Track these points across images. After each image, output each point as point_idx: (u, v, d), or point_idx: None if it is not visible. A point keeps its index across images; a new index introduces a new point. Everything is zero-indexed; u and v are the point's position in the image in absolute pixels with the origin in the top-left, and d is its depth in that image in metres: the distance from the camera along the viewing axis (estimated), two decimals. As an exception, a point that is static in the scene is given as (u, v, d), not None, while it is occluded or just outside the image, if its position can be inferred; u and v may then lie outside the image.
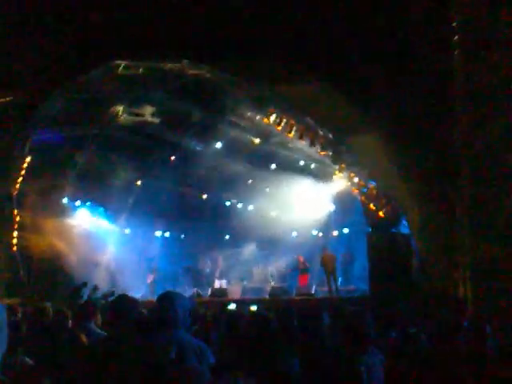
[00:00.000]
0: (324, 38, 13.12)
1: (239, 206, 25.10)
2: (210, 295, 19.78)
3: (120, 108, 18.36)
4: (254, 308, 13.03)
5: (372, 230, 17.88)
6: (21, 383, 3.14)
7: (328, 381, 4.04)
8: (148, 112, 18.94)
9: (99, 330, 6.02)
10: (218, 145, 21.21)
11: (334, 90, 14.18)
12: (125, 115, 18.74)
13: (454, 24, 11.70)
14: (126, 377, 3.75)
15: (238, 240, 24.01)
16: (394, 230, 17.22)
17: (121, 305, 4.74)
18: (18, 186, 16.87)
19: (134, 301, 4.91)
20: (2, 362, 2.18)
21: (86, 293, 15.58)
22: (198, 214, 23.41)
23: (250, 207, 24.90)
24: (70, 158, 19.64)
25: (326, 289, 19.47)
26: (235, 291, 20.57)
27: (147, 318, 5.18)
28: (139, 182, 22.14)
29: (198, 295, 20.03)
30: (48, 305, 7.33)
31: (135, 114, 18.79)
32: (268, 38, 13.25)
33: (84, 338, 5.67)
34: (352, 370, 4.01)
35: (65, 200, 20.57)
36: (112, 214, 22.35)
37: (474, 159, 11.72)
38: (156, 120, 19.30)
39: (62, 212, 20.16)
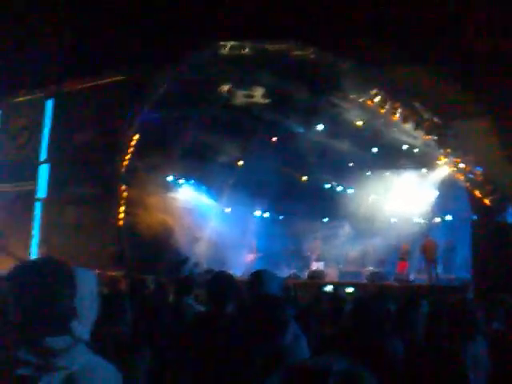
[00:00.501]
0: (435, 24, 12.77)
1: (339, 188, 24.95)
2: (308, 277, 19.85)
3: (226, 88, 18.58)
4: (350, 290, 13.00)
5: (477, 217, 17.34)
6: (118, 354, 3.27)
7: (431, 368, 3.98)
8: (256, 93, 19.06)
9: (198, 305, 6.18)
10: (320, 127, 21.08)
11: (442, 73, 13.78)
12: (232, 95, 18.95)
13: None
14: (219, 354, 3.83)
15: (337, 223, 23.92)
16: (499, 219, 16.64)
17: (219, 282, 4.85)
18: (125, 162, 17.47)
19: (232, 278, 5.00)
20: (94, 331, 2.29)
21: (187, 268, 16.02)
22: (298, 196, 23.43)
23: (350, 191, 24.72)
24: (176, 137, 20.15)
25: (424, 276, 19.07)
26: (332, 274, 20.56)
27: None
28: (241, 162, 22.42)
29: (296, 276, 20.15)
30: (150, 277, 7.61)
31: (243, 96, 18.96)
32: (374, 20, 13.04)
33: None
34: (455, 359, 3.92)
35: (170, 178, 21.19)
36: (214, 193, 22.83)
37: None
38: (264, 101, 19.38)
39: (167, 189, 20.77)
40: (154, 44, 14.16)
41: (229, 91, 18.57)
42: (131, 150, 17.27)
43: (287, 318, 3.64)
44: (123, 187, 17.90)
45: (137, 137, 17.20)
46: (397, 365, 3.13)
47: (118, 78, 14.71)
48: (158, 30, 14.04)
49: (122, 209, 18.11)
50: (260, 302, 3.82)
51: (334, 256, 22.42)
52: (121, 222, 18.21)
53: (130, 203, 18.38)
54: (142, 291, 7.17)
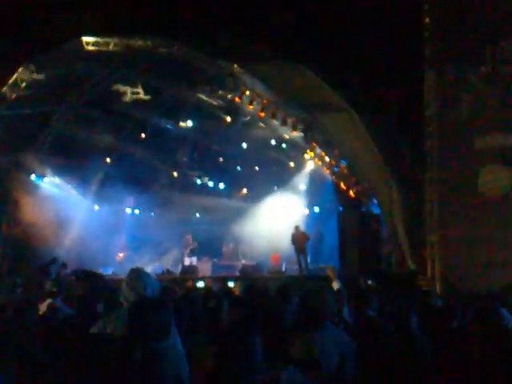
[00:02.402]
0: (296, 17, 13.04)
1: (210, 183, 25.06)
2: (181, 272, 19.75)
3: (89, 85, 18.09)
4: (231, 284, 13.03)
5: (343, 209, 18.01)
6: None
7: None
8: (125, 90, 18.71)
9: (67, 308, 5.96)
10: (189, 123, 21.03)
11: (306, 69, 14.13)
12: (97, 92, 18.48)
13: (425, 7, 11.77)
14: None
15: (209, 217, 23.99)
16: (364, 210, 17.37)
17: (90, 283, 4.71)
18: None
19: (100, 277, 4.88)
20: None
21: (55, 269, 15.44)
22: (168, 191, 23.27)
23: (221, 185, 24.93)
24: (40, 134, 19.40)
25: (296, 267, 19.55)
26: (205, 268, 20.60)
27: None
28: (108, 159, 21.88)
29: (169, 272, 20.01)
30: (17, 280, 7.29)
31: (108, 91, 18.52)
32: (243, 16, 13.13)
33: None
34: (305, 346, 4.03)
35: (33, 176, 20.33)
36: (82, 190, 22.11)
37: (443, 139, 11.82)
38: (132, 97, 19.08)
39: (31, 187, 19.97)
40: (16, 38, 13.46)
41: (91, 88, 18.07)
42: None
43: (168, 321, 3.59)
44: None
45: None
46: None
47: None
48: (21, 23, 13.37)
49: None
50: (139, 305, 3.74)
51: (208, 250, 22.46)
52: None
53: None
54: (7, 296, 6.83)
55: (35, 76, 15.50)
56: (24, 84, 15.77)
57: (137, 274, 4.45)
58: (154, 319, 3.52)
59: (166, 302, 3.79)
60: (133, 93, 18.87)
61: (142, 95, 19.02)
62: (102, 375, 3.49)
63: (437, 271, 11.67)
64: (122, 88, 18.52)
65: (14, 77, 14.84)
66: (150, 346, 3.34)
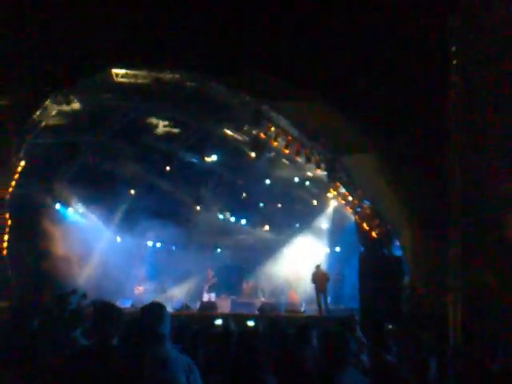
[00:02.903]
0: (325, 58, 13.12)
1: (232, 219, 25.08)
2: (199, 309, 19.65)
3: (117, 117, 18.30)
4: (251, 323, 12.89)
5: (364, 249, 17.86)
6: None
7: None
8: (153, 122, 18.95)
9: (84, 339, 5.94)
10: (214, 157, 21.14)
11: (332, 108, 14.19)
12: (124, 124, 18.69)
13: (453, 49, 11.75)
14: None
15: (230, 253, 23.96)
16: (385, 251, 17.20)
17: (105, 313, 4.68)
18: (10, 189, 16.75)
19: (118, 310, 4.84)
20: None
21: (75, 300, 15.46)
22: (191, 226, 23.32)
23: (243, 221, 24.92)
24: (65, 163, 19.65)
25: (315, 307, 19.36)
26: (224, 305, 20.49)
27: (133, 330, 5.10)
28: (133, 191, 22.04)
29: (187, 307, 19.93)
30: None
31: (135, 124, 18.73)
32: (269, 53, 13.25)
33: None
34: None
35: (58, 205, 20.54)
36: (105, 221, 22.27)
37: (468, 185, 11.72)
38: (162, 130, 19.32)
39: (55, 216, 20.14)
40: (44, 68, 13.70)
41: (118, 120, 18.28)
42: (16, 176, 16.53)
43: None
44: (7, 215, 17.08)
45: (23, 163, 16.51)
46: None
47: (4, 102, 14.11)
48: (50, 54, 13.61)
49: (6, 237, 17.25)
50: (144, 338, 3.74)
51: (227, 287, 22.39)
52: (4, 252, 17.34)
53: (14, 232, 17.57)
54: (25, 325, 6.82)
55: (64, 106, 15.72)
56: (53, 113, 15.99)
57: (155, 309, 4.42)
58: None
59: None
60: (165, 126, 19.10)
61: (173, 128, 19.26)
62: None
63: (458, 318, 11.46)
64: (154, 121, 18.75)
65: (44, 105, 15.05)
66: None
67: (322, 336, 4.76)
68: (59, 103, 15.35)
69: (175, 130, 19.69)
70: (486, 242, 11.45)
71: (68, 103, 15.44)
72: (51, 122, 16.26)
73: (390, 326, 11.80)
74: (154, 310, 4.35)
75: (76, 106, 16.18)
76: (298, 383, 4.13)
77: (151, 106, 17.85)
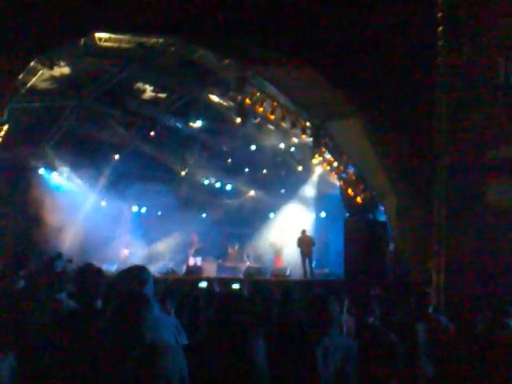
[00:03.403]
0: (310, 24, 13.01)
1: (217, 184, 25.07)
2: (185, 273, 19.74)
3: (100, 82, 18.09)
4: (236, 286, 12.96)
5: (349, 215, 17.96)
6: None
7: (285, 359, 4.07)
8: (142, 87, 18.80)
9: (70, 301, 5.96)
10: (199, 123, 21.02)
11: (317, 75, 14.10)
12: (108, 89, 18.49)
13: (440, 15, 11.67)
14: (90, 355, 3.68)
15: (215, 218, 24.01)
16: (370, 217, 17.32)
17: (87, 276, 4.69)
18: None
19: (101, 272, 4.85)
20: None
21: (60, 264, 15.45)
22: (176, 191, 23.31)
23: (228, 187, 24.93)
24: (50, 128, 19.50)
25: (301, 271, 19.53)
26: (210, 269, 20.60)
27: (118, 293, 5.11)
28: (117, 156, 21.92)
29: (173, 271, 20.01)
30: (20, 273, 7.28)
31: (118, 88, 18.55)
32: (255, 20, 13.11)
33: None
34: (308, 351, 4.06)
35: (41, 170, 20.43)
36: (89, 185, 22.16)
37: (453, 150, 11.76)
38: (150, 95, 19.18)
39: (38, 181, 20.09)
40: (28, 33, 13.47)
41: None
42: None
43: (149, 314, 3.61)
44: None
45: (5, 127, 16.32)
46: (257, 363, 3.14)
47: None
48: (34, 17, 13.38)
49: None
50: (126, 300, 3.76)
51: (213, 251, 22.48)
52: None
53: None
54: (8, 288, 6.84)
55: (48, 70, 15.53)
56: (37, 77, 15.80)
57: (137, 270, 4.45)
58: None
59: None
60: (149, 91, 18.95)
61: (157, 93, 19.12)
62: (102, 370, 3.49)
63: (441, 281, 11.61)
64: (139, 86, 18.58)
65: (26, 70, 14.85)
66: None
67: (306, 299, 4.80)
68: (42, 67, 15.16)
69: (160, 95, 19.54)
70: (470, 208, 11.53)
71: (51, 67, 15.26)
72: (35, 85, 16.09)
73: (374, 291, 11.94)
74: (134, 273, 4.38)
75: (60, 70, 16.01)
76: (283, 346, 4.16)
77: (135, 71, 17.65)
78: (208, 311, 4.49)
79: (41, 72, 15.50)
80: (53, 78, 16.16)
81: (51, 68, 15.32)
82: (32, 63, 14.71)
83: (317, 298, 4.57)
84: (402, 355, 3.63)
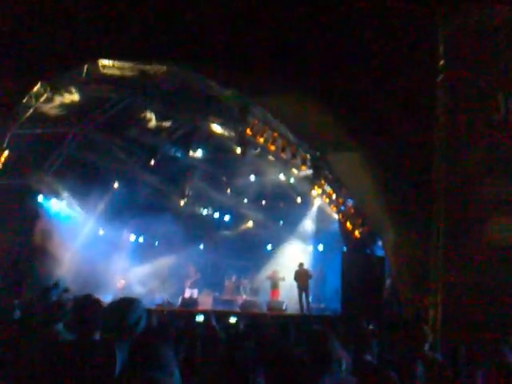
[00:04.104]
0: (311, 55, 13.12)
1: (216, 215, 25.03)
2: (181, 305, 19.58)
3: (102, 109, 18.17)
4: (233, 320, 12.86)
5: (347, 249, 17.90)
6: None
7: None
8: (148, 115, 18.88)
9: (67, 333, 5.89)
10: (199, 152, 21.08)
11: (317, 106, 14.18)
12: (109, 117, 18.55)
13: (440, 48, 11.78)
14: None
15: (212, 250, 23.93)
16: (368, 251, 17.25)
17: (85, 307, 4.65)
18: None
19: (99, 304, 4.81)
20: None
21: (56, 294, 15.31)
22: (174, 221, 23.26)
23: (226, 217, 24.90)
24: (50, 155, 19.50)
25: (297, 305, 19.40)
26: (206, 302, 20.44)
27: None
28: (116, 185, 21.92)
29: (169, 303, 19.86)
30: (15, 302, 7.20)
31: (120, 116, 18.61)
32: (256, 50, 13.22)
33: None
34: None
35: (40, 197, 20.39)
36: (88, 214, 22.13)
37: (451, 187, 11.77)
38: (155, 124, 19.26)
39: (37, 209, 20.04)
40: (30, 59, 13.56)
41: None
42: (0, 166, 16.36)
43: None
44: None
45: (6, 153, 16.33)
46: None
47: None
48: (37, 45, 13.48)
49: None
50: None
51: (209, 283, 22.35)
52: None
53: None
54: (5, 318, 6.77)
55: (49, 96, 15.60)
56: (38, 104, 15.85)
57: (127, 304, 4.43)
58: (157, 351, 3.51)
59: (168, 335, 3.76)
60: (150, 119, 19.03)
61: (158, 122, 19.20)
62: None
63: (438, 318, 11.52)
64: (140, 114, 18.65)
65: (28, 96, 14.91)
66: (150, 375, 3.31)
67: (305, 335, 4.75)
68: (45, 94, 15.23)
69: (161, 124, 19.61)
70: (467, 245, 11.50)
71: (54, 94, 15.33)
72: (36, 112, 16.12)
73: (371, 327, 11.84)
74: (122, 305, 4.37)
75: (71, 97, 16.10)
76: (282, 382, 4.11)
77: (138, 98, 17.75)
78: (210, 350, 4.45)
79: (47, 97, 15.53)
80: (62, 104, 16.24)
81: (60, 94, 15.42)
82: (35, 88, 14.81)
83: (316, 334, 4.52)
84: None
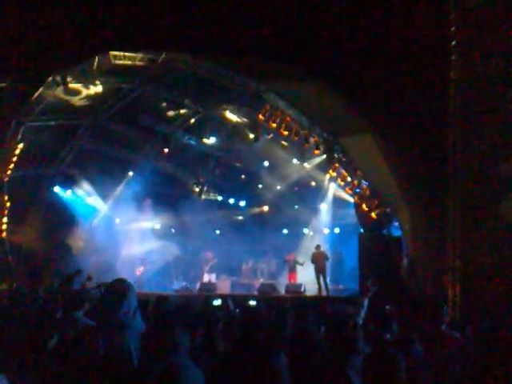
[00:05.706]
0: (321, 38, 13.05)
1: (231, 200, 25.09)
2: (199, 289, 19.71)
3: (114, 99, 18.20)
4: (253, 303, 12.91)
5: (364, 230, 17.89)
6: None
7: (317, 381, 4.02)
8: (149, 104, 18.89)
9: (87, 320, 5.96)
10: (212, 139, 21.08)
11: (330, 90, 14.13)
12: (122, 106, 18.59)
13: (453, 28, 11.68)
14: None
15: (229, 235, 23.99)
16: (385, 232, 17.24)
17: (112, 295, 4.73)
18: (8, 172, 16.73)
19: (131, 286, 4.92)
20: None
21: (79, 281, 15.48)
22: (189, 208, 23.33)
23: (242, 203, 24.95)
24: (64, 146, 19.60)
25: (315, 286, 19.44)
26: (224, 286, 20.56)
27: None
28: (131, 173, 22.03)
29: (187, 288, 19.99)
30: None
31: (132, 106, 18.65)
32: (269, 34, 13.17)
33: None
34: (340, 373, 4.00)
35: (57, 188, 20.53)
36: (104, 203, 22.28)
37: (467, 164, 11.71)
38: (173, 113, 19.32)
39: (55, 199, 20.22)
40: (43, 50, 13.60)
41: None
42: (15, 159, 16.49)
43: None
44: (6, 198, 17.09)
45: (21, 146, 16.47)
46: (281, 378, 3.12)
47: (1, 86, 14.02)
48: (49, 36, 13.51)
49: (5, 220, 17.28)
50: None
51: (227, 267, 22.46)
52: (3, 234, 17.38)
53: (13, 214, 17.58)
54: (22, 304, 6.85)
55: (61, 89, 15.67)
56: (51, 97, 15.93)
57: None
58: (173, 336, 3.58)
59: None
60: (163, 108, 19.07)
61: (171, 111, 19.24)
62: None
63: (457, 298, 11.52)
64: (153, 103, 18.68)
65: (41, 89, 14.98)
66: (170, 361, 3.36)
67: (331, 317, 4.76)
68: (57, 86, 15.31)
69: (174, 112, 19.64)
70: (484, 223, 11.46)
71: (66, 86, 15.41)
72: (49, 105, 16.21)
73: (388, 307, 11.85)
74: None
75: (95, 89, 16.23)
76: (305, 363, 4.13)
77: (149, 88, 17.76)
78: (228, 332, 4.49)
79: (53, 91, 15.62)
80: (88, 96, 16.36)
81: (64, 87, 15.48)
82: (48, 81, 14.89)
83: (341, 315, 4.54)
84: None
